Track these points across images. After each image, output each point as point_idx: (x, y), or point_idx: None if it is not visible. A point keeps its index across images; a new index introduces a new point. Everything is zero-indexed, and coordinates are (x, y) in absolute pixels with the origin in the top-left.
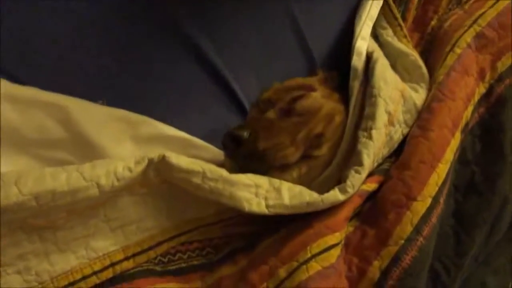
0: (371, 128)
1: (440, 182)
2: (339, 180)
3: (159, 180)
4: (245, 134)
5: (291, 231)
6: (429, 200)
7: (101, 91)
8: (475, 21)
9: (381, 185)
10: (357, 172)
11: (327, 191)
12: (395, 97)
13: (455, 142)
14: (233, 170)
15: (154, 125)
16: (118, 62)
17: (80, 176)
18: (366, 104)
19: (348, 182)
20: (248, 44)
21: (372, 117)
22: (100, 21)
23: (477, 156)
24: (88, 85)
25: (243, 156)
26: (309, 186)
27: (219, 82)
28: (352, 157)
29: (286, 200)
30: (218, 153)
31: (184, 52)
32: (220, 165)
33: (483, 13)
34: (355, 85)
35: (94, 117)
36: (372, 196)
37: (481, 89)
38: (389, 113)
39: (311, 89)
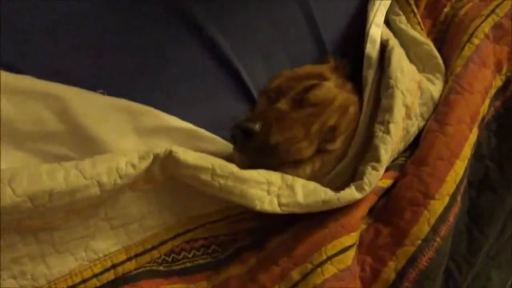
0: (388, 122)
1: (458, 180)
2: (352, 175)
3: (165, 177)
4: (257, 126)
5: (304, 229)
6: (447, 199)
7: (102, 81)
8: (492, 11)
9: (395, 181)
10: (374, 168)
11: (341, 186)
12: (412, 88)
13: (472, 137)
14: (242, 164)
15: (158, 115)
16: (119, 50)
17: (80, 174)
18: (382, 95)
19: (365, 180)
20: (257, 28)
21: (390, 109)
22: (100, 15)
23: (492, 151)
24: (88, 76)
25: (254, 150)
26: (321, 181)
27: (226, 67)
28: (368, 152)
29: (300, 198)
30: (225, 145)
31: (189, 36)
32: (228, 158)
33: (501, 2)
34: (370, 75)
35: (94, 109)
36: (386, 192)
37: (498, 82)
38: (406, 106)
39: (324, 78)
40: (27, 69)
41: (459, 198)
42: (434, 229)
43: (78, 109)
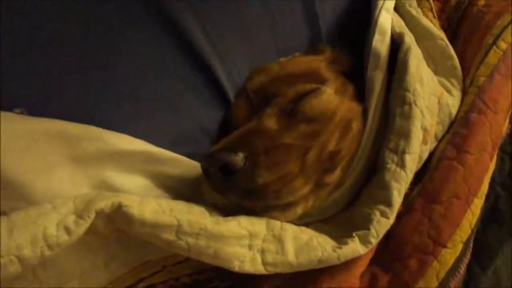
0: (403, 151)
1: (473, 223)
2: (349, 201)
3: (111, 231)
4: (239, 160)
5: (290, 284)
6: (460, 247)
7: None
8: None
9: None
10: (384, 215)
11: (333, 213)
12: (432, 106)
13: (492, 167)
14: (215, 200)
15: (102, 137)
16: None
17: None
18: (396, 112)
19: (372, 230)
20: (242, 12)
21: (406, 135)
22: None
23: (505, 178)
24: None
25: (234, 191)
26: (311, 214)
27: (195, 61)
28: (374, 186)
29: (291, 256)
30: (190, 165)
31: (145, 15)
32: (196, 183)
33: None
34: (377, 77)
35: (8, 141)
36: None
37: None
38: (424, 129)
39: (320, 79)
40: None
41: (471, 244)
42: (443, 284)
43: None
